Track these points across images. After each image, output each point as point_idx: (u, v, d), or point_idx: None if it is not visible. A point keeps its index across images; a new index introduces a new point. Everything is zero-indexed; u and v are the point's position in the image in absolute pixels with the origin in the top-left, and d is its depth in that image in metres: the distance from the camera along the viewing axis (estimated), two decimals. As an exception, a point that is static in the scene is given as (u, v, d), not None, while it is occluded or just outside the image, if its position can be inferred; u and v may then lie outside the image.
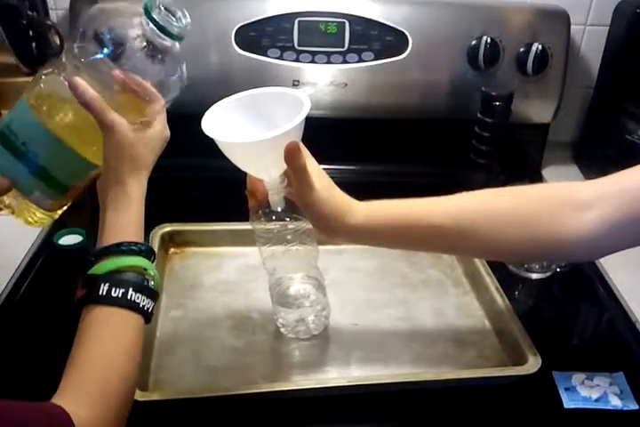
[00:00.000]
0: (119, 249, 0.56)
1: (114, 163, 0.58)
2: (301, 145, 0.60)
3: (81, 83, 0.57)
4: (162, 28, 0.59)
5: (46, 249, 0.90)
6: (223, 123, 0.61)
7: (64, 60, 0.60)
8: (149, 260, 0.58)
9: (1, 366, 0.69)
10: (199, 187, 1.02)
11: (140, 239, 0.58)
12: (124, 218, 0.58)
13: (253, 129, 0.61)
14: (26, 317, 0.78)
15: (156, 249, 0.85)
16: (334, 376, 0.71)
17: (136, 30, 0.59)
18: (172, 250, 0.90)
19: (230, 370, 0.71)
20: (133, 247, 0.57)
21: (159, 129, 0.62)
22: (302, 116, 0.57)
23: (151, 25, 0.58)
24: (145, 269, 0.57)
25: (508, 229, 0.62)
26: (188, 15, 0.60)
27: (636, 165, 0.60)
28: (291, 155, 0.58)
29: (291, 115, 0.58)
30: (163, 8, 0.59)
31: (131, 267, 0.56)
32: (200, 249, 0.90)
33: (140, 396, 0.63)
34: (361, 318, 0.79)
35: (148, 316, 0.57)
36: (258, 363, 0.72)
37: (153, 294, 0.57)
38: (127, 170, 0.59)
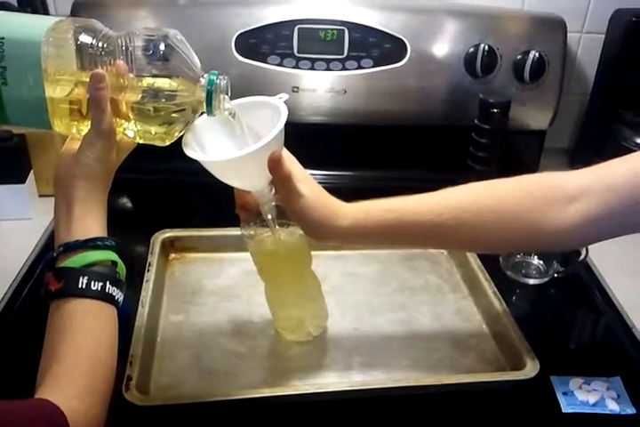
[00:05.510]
0: (94, 244, 0.57)
1: (91, 162, 0.58)
2: (286, 153, 0.60)
3: (104, 79, 0.56)
4: (209, 102, 0.58)
5: (46, 255, 0.90)
6: (205, 140, 0.61)
7: (118, 45, 0.57)
8: (117, 253, 0.59)
9: (3, 372, 0.70)
10: (200, 192, 1.02)
11: (105, 233, 0.59)
12: (94, 212, 0.59)
13: (236, 142, 0.62)
14: (27, 323, 0.78)
15: (156, 255, 0.86)
16: (335, 381, 0.71)
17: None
18: (172, 255, 0.90)
19: (231, 375, 0.71)
20: (107, 242, 0.58)
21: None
22: (281, 126, 0.57)
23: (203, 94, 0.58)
24: (114, 263, 0.59)
25: (493, 225, 0.63)
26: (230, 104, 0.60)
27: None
28: (274, 165, 0.58)
29: (270, 123, 0.58)
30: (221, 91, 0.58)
31: (103, 261, 0.57)
32: (201, 255, 0.90)
33: (140, 401, 0.64)
34: (361, 322, 0.80)
35: (119, 307, 0.58)
36: (259, 368, 0.73)
37: (122, 287, 0.59)
38: (101, 171, 0.59)
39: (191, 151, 0.59)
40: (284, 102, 0.60)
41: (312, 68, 1.05)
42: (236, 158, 0.57)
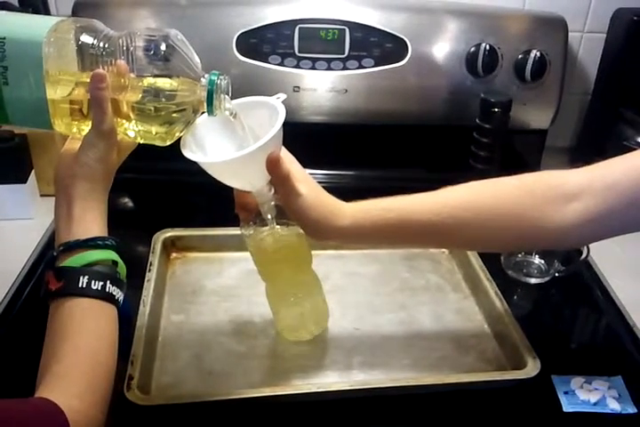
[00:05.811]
0: (95, 243, 0.57)
1: (91, 162, 0.58)
2: (284, 152, 0.60)
3: (105, 79, 0.56)
4: (209, 102, 0.58)
5: (47, 256, 0.90)
6: (205, 141, 0.62)
7: (120, 45, 0.57)
8: (117, 253, 0.59)
9: (3, 372, 0.70)
10: (201, 192, 1.01)
11: (106, 233, 0.59)
12: (94, 212, 0.59)
13: (236, 142, 0.62)
14: (28, 322, 0.78)
15: (157, 254, 0.86)
16: (336, 380, 0.71)
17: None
18: (173, 255, 0.90)
19: (232, 374, 0.71)
20: (107, 242, 0.58)
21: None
22: (278, 126, 0.57)
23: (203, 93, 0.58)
24: (115, 263, 0.59)
25: (493, 224, 0.63)
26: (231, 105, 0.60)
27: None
28: (272, 166, 0.58)
29: (268, 123, 0.58)
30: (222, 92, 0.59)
31: (104, 260, 0.57)
32: (202, 254, 0.90)
33: (142, 400, 0.64)
34: (362, 322, 0.80)
35: (119, 307, 0.58)
36: (259, 367, 0.73)
37: (123, 286, 0.59)
38: (101, 171, 0.59)
39: (189, 153, 0.59)
40: (282, 102, 0.60)
41: (313, 68, 1.05)
42: (234, 159, 0.57)
